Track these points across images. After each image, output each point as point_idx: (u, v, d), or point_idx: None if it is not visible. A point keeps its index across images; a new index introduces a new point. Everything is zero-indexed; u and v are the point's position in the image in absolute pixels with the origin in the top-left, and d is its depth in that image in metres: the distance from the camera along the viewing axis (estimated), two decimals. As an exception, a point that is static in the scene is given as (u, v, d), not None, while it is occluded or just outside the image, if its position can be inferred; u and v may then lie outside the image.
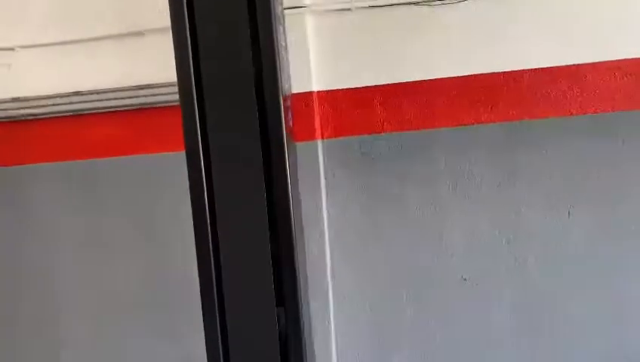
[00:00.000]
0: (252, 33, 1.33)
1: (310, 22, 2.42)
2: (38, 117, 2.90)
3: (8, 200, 2.91)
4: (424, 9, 2.41)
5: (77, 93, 2.80)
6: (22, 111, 2.92)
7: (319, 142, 2.50)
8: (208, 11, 1.32)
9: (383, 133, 2.50)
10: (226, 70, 1.36)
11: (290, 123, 1.55)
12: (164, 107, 2.57)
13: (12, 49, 2.89)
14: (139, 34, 2.62)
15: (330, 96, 2.49)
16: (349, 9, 2.44)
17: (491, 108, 2.43)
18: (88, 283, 2.87)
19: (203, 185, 1.33)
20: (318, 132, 2.49)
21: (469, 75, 2.41)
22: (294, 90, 2.44)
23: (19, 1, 2.85)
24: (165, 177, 2.54)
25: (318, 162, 2.48)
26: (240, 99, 1.39)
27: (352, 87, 2.50)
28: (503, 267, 2.51)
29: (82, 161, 2.88)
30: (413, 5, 2.41)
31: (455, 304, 2.53)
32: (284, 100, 1.50)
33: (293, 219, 1.39)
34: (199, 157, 1.32)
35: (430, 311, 2.56)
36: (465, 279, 2.51)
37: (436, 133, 2.47)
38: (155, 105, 2.64)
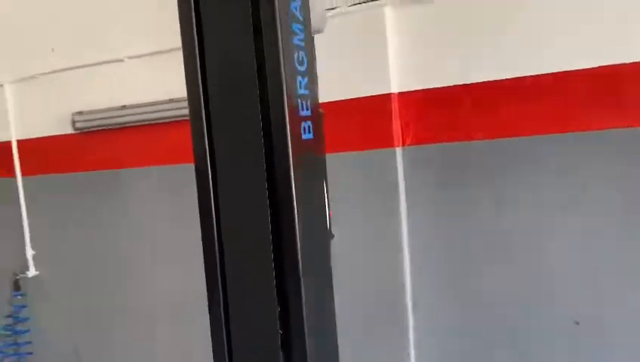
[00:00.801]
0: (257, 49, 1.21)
1: (389, 16, 2.11)
2: (143, 123, 3.03)
3: (115, 199, 3.09)
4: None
5: (171, 101, 2.85)
6: (128, 118, 3.08)
7: (398, 151, 2.18)
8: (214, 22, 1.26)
9: (473, 141, 2.09)
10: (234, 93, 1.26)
11: (316, 134, 1.33)
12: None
13: (121, 60, 3.04)
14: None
15: (411, 98, 2.15)
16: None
17: (618, 107, 1.88)
18: (182, 282, 2.93)
19: (211, 208, 1.27)
20: (397, 138, 2.17)
21: (585, 69, 1.89)
22: (369, 92, 2.17)
23: (126, 14, 2.97)
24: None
25: (396, 173, 2.17)
26: (245, 114, 1.25)
27: (437, 86, 2.13)
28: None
29: (181, 165, 2.93)
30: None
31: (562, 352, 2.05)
32: (314, 109, 1.34)
33: (299, 251, 1.22)
34: (208, 178, 1.27)
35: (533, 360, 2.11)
36: (577, 323, 2.01)
37: (543, 141, 1.99)
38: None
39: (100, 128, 3.13)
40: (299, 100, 1.29)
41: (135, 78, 3.05)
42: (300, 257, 1.24)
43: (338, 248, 2.04)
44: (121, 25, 3.03)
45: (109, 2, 3.02)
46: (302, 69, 1.31)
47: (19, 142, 3.44)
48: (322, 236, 1.43)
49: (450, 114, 2.10)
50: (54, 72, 3.21)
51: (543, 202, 2.01)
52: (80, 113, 3.18)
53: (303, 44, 1.32)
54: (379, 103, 2.16)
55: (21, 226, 3.37)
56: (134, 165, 3.11)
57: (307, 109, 1.33)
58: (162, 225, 3.00)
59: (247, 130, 1.28)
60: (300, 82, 1.30)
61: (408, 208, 2.19)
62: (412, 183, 2.19)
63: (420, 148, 2.17)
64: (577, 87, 1.92)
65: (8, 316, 3.52)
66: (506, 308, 2.10)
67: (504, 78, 2.00)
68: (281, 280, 1.23)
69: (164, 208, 3.00)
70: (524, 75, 1.97)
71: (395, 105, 2.15)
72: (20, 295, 3.50)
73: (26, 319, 3.50)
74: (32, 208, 3.36)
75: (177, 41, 2.83)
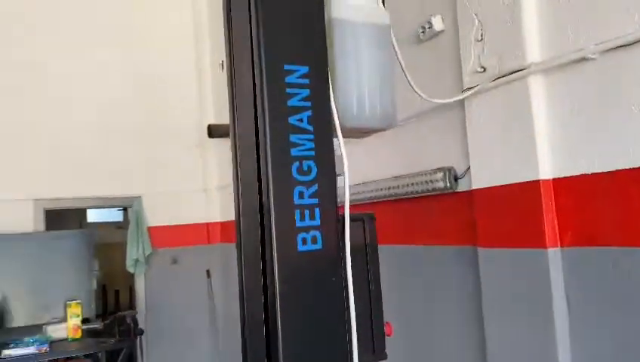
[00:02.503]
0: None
1: (535, 86, 1.75)
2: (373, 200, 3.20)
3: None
4: None
5: (396, 178, 2.94)
6: (366, 195, 3.32)
7: (552, 252, 1.73)
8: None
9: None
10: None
11: (329, 243, 1.27)
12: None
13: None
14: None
15: (568, 186, 1.70)
16: (590, 58, 1.62)
17: None
18: None
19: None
20: (551, 237, 1.73)
21: None
22: (513, 179, 1.83)
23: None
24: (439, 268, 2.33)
25: (548, 280, 1.72)
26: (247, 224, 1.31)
27: (605, 171, 1.62)
28: None
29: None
30: None
31: None
32: (327, 217, 1.29)
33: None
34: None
35: None
36: None
37: None
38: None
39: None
40: (297, 211, 1.27)
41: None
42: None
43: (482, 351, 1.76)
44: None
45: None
46: (306, 178, 1.29)
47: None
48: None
49: (623, 207, 1.57)
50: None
51: None
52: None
53: (311, 153, 1.30)
54: (526, 192, 1.79)
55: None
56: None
57: (314, 218, 1.29)
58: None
59: (248, 243, 1.33)
60: (303, 192, 1.28)
61: (570, 323, 1.70)
62: (571, 294, 1.70)
63: (581, 251, 1.68)
64: None
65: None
66: None
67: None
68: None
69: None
70: None
71: (546, 195, 1.74)
72: None
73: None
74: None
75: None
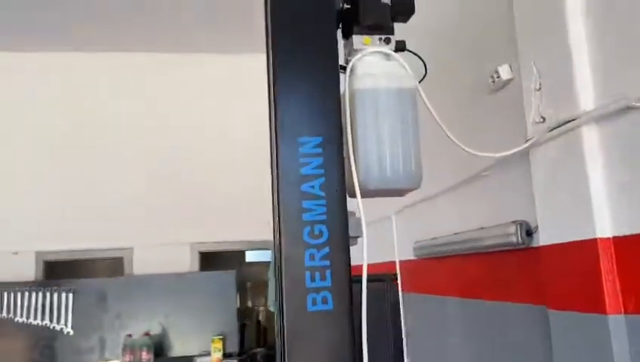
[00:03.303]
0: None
1: (589, 136, 1.59)
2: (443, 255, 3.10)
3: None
4: None
5: (457, 234, 2.84)
6: (433, 249, 3.23)
7: (614, 319, 1.50)
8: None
9: None
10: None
11: (341, 304, 1.33)
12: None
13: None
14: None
15: (632, 244, 1.49)
16: (648, 106, 1.43)
17: None
18: None
19: None
20: (612, 302, 1.51)
21: None
22: (570, 237, 1.67)
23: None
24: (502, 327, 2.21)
25: (610, 350, 1.49)
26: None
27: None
28: None
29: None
30: None
31: None
32: (340, 278, 1.38)
33: None
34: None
35: None
36: None
37: None
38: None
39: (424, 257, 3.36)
40: (307, 272, 1.36)
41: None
42: None
43: None
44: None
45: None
46: (317, 241, 1.38)
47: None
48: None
49: None
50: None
51: None
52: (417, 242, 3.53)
53: (323, 217, 1.39)
54: (583, 251, 1.60)
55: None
56: (436, 293, 3.16)
57: (324, 280, 1.36)
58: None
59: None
60: (314, 254, 1.37)
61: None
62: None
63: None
64: None
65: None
66: None
67: None
68: None
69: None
70: None
71: (605, 254, 1.53)
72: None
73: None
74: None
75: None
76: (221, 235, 6.09)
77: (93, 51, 6.00)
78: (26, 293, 5.36)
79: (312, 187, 1.39)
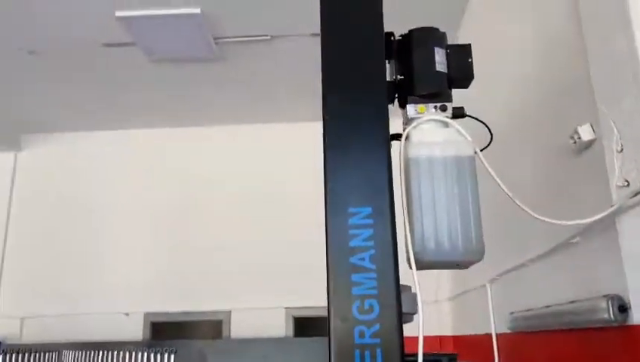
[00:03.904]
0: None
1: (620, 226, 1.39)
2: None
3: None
4: None
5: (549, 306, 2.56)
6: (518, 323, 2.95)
7: None
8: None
9: None
10: None
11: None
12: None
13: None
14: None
15: None
16: None
17: None
18: None
19: None
20: None
21: None
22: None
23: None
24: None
25: None
26: None
27: None
28: None
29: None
30: None
31: None
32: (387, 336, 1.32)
33: None
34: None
35: None
36: None
37: None
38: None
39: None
40: (356, 351, 1.30)
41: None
42: None
43: None
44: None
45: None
46: (367, 317, 1.32)
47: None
48: None
49: None
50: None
51: None
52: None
53: (374, 291, 1.34)
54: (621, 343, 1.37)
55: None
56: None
57: (374, 359, 1.30)
58: None
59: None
60: (364, 332, 1.31)
61: None
62: None
63: None
64: None
65: None
66: None
67: None
68: None
69: None
70: None
71: None
72: None
73: None
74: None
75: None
76: (315, 300, 6.08)
77: (187, 126, 6.51)
78: (133, 353, 5.66)
79: (362, 259, 1.36)
